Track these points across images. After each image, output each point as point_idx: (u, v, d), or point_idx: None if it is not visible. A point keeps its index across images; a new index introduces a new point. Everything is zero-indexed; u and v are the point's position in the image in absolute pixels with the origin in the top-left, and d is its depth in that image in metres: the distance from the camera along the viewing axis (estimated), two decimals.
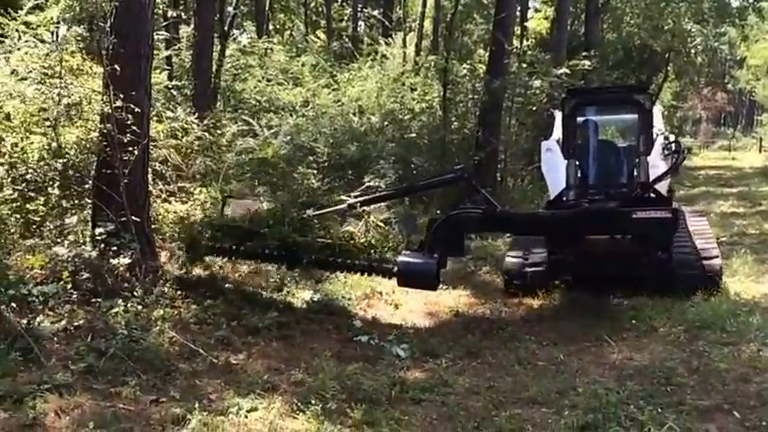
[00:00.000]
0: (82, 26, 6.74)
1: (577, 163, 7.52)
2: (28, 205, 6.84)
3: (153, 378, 4.65)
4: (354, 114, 13.16)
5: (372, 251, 6.46)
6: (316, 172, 9.26)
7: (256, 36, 15.18)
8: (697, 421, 4.04)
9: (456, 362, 5.25)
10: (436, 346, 5.60)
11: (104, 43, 6.21)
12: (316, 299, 6.54)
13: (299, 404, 4.28)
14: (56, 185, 7.10)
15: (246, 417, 4.16)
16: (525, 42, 17.49)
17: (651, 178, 6.85)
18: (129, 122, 6.25)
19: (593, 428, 3.94)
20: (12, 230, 6.32)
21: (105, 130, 6.31)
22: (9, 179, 6.90)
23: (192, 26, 9.45)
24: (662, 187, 7.07)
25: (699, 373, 4.75)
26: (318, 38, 20.46)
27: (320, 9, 22.89)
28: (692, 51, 21.98)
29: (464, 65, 13.36)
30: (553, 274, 7.28)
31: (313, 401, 4.28)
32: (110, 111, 6.21)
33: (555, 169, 7.63)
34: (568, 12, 16.70)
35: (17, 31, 8.03)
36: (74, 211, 6.91)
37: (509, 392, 4.60)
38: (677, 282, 6.66)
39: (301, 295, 6.62)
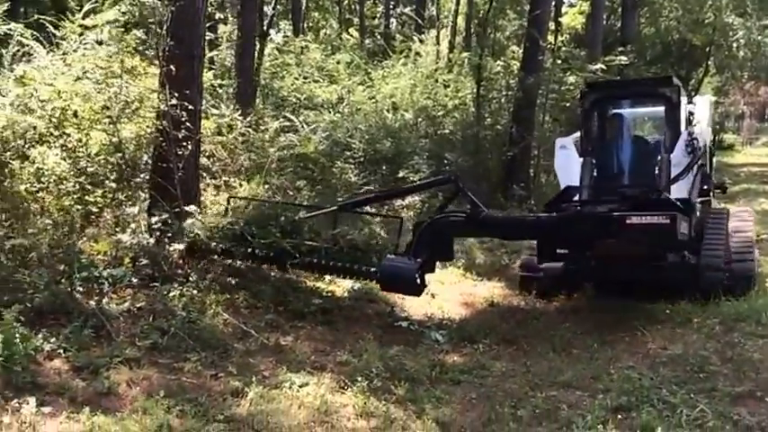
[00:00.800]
0: (141, 29, 7.21)
1: (594, 161, 7.27)
2: (87, 197, 7.40)
3: (211, 355, 5.10)
4: (388, 111, 13.52)
5: (359, 253, 6.41)
6: (353, 167, 9.66)
7: (292, 35, 15.59)
8: (729, 406, 4.24)
9: (492, 348, 5.57)
10: (473, 333, 5.93)
11: (161, 45, 6.68)
12: (356, 288, 6.92)
13: (347, 381, 4.67)
14: (113, 178, 7.65)
15: (299, 391, 4.56)
16: (560, 38, 17.58)
17: (685, 175, 6.66)
18: (183, 120, 6.74)
19: (627, 410, 4.20)
20: (74, 220, 6.84)
21: (161, 127, 6.80)
22: (71, 173, 7.46)
23: (237, 27, 9.91)
24: (682, 188, 6.73)
25: (732, 362, 4.94)
26: (351, 35, 20.86)
27: (353, 7, 23.28)
28: (734, 45, 21.65)
29: (498, 61, 13.60)
30: (570, 280, 7.09)
31: (359, 379, 4.66)
32: (166, 108, 6.68)
33: (568, 168, 7.40)
34: (604, 6, 16.72)
35: (79, 34, 8.59)
36: (130, 202, 7.43)
37: (544, 376, 4.90)
38: (703, 285, 6.39)
39: (342, 284, 7.01)
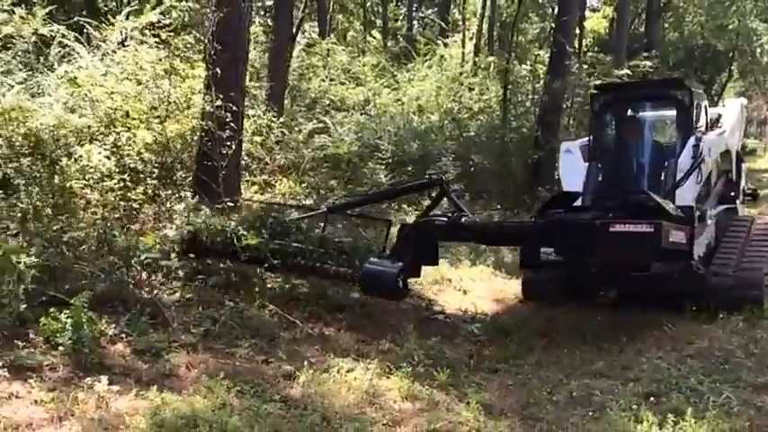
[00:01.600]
0: (188, 34, 7.62)
1: (600, 166, 7.16)
2: (129, 193, 7.82)
3: (260, 342, 5.47)
4: (414, 113, 13.86)
5: (344, 256, 6.37)
6: (383, 167, 10.02)
7: (317, 37, 16.00)
8: (752, 394, 4.55)
9: (525, 340, 5.89)
10: (506, 326, 6.25)
11: (208, 49, 7.08)
12: None
13: (391, 367, 5.01)
14: (154, 176, 8.06)
15: (346, 375, 4.91)
16: (584, 41, 17.82)
17: (684, 183, 6.51)
18: (228, 120, 7.14)
19: (657, 396, 4.51)
20: (124, 214, 7.26)
21: (206, 127, 7.20)
22: (116, 170, 7.89)
23: (272, 30, 10.33)
24: (686, 194, 6.55)
25: (755, 356, 5.23)
26: (374, 37, 21.24)
27: (376, 9, 23.66)
28: (758, 50, 21.76)
29: (524, 65, 13.89)
30: (573, 289, 6.94)
31: (403, 365, 4.99)
32: (211, 109, 7.08)
33: (572, 173, 7.28)
34: (629, 12, 16.95)
35: (129, 37, 9.03)
36: (173, 199, 7.83)
37: (576, 366, 5.21)
38: (708, 294, 6.30)
39: None
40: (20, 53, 9.13)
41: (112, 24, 9.34)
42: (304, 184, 8.28)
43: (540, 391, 4.65)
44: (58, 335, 4.86)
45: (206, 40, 7.12)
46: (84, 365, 4.72)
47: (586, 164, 7.23)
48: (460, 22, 20.09)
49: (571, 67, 12.06)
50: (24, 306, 5.03)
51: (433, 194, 7.15)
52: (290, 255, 6.28)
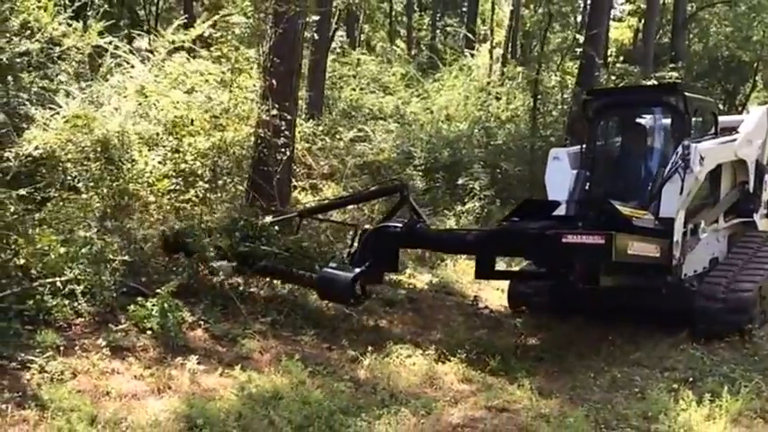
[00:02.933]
0: (253, 48, 8.28)
1: (588, 174, 7.06)
2: (182, 196, 8.47)
3: (322, 332, 6.09)
4: (443, 122, 14.46)
5: (307, 261, 6.52)
6: (420, 174, 10.64)
7: (348, 47, 16.67)
8: None
9: (566, 334, 6.43)
10: (546, 321, 6.79)
11: (266, 62, 7.75)
12: (434, 281, 7.84)
13: (446, 354, 5.59)
14: (206, 180, 8.71)
15: (405, 360, 5.51)
16: (608, 51, 18.35)
17: (662, 191, 6.40)
18: (282, 128, 7.79)
19: (692, 382, 5.02)
20: (195, 213, 7.86)
21: (262, 134, 7.85)
22: (174, 173, 8.55)
23: (312, 42, 11.00)
24: (670, 205, 6.31)
25: None
26: (398, 47, 21.92)
27: (400, 19, 24.37)
28: None
29: (554, 76, 14.47)
30: (557, 303, 6.87)
31: (457, 352, 5.57)
32: (267, 118, 7.73)
33: (557, 181, 7.13)
34: (655, 23, 17.50)
35: (171, 47, 9.72)
36: (223, 201, 8.46)
37: (616, 357, 5.75)
38: (696, 315, 6.13)
39: (422, 278, 7.94)
40: (73, 63, 9.87)
41: (162, 37, 10.07)
42: (351, 190, 8.88)
43: (584, 376, 5.20)
44: (146, 320, 5.50)
45: (263, 54, 7.79)
46: (172, 347, 5.35)
47: (574, 171, 7.12)
48: (484, 32, 20.73)
49: (599, 78, 12.59)
50: (113, 295, 5.69)
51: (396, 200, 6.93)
52: (258, 257, 6.34)
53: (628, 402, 4.69)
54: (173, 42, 10.04)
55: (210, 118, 7.94)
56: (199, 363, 5.12)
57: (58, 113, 8.10)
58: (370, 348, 5.72)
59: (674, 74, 14.06)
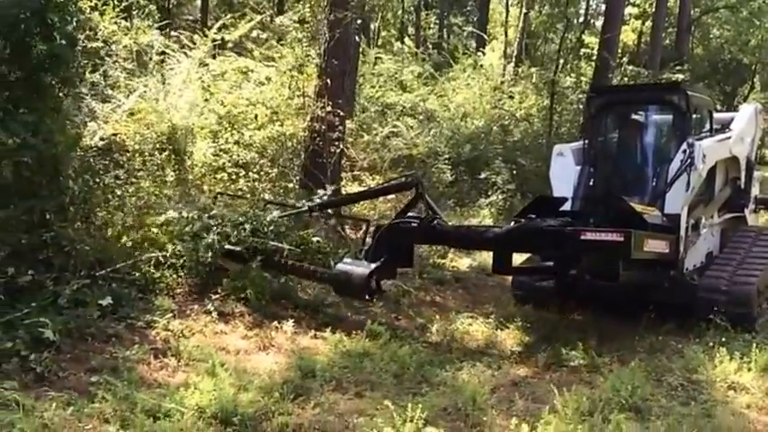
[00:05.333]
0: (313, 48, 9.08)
1: (592, 170, 7.23)
2: (233, 185, 9.26)
3: (387, 304, 6.94)
4: (461, 119, 15.34)
5: (320, 256, 6.74)
6: (449, 167, 11.52)
7: (366, 47, 17.46)
8: None
9: (600, 311, 7.31)
10: (584, 303, 7.67)
11: (322, 63, 8.58)
12: (474, 264, 8.72)
13: (502, 323, 6.47)
14: (254, 171, 9.51)
15: (468, 327, 6.38)
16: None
17: (670, 189, 6.63)
18: (336, 124, 8.63)
19: (721, 346, 5.76)
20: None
21: (317, 128, 8.67)
22: (230, 164, 9.34)
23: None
24: (675, 202, 6.59)
25: None
26: (406, 45, 22.74)
27: (409, 17, 25.22)
28: None
29: (568, 77, 15.40)
30: (563, 293, 6.99)
31: (513, 320, 6.45)
32: (323, 114, 8.56)
33: (562, 177, 7.29)
34: (663, 27, 18.52)
35: (212, 45, 10.48)
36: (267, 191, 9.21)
37: (649, 327, 6.51)
38: (698, 308, 6.33)
39: (462, 262, 8.81)
40: (120, 60, 10.61)
41: (206, 35, 10.85)
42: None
43: (630, 341, 6.07)
44: (240, 291, 6.33)
45: (320, 56, 8.63)
46: (265, 314, 6.20)
47: (578, 167, 7.28)
48: (494, 32, 21.65)
49: (613, 80, 13.51)
50: (208, 270, 6.50)
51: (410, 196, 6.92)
52: (268, 253, 6.45)
53: (669, 360, 5.58)
54: (215, 41, 10.87)
55: (271, 114, 8.77)
56: (293, 326, 5.97)
57: (118, 107, 8.92)
58: (433, 319, 6.63)
59: (681, 75, 15.04)
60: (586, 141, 7.51)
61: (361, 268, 6.10)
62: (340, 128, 8.70)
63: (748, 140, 7.95)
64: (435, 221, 6.43)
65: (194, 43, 10.67)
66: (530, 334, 6.32)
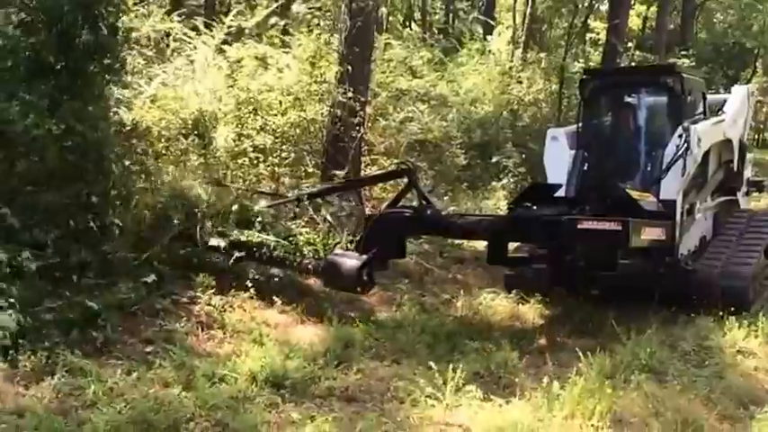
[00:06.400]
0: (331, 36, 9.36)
1: (586, 154, 7.07)
2: (254, 170, 9.56)
3: (412, 282, 7.29)
4: (470, 104, 15.60)
5: (309, 247, 6.54)
6: (463, 152, 11.83)
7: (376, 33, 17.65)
8: None
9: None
10: None
11: (343, 50, 8.87)
12: None
13: (523, 298, 6.83)
14: (275, 155, 9.82)
15: (491, 302, 6.74)
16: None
17: (666, 175, 6.46)
18: (357, 109, 8.92)
19: (728, 318, 6.14)
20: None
21: (339, 113, 8.96)
22: (251, 149, 9.64)
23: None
24: (671, 187, 6.43)
25: None
26: (412, 30, 22.90)
27: (416, 2, 25.34)
28: None
29: (576, 62, 15.65)
30: (556, 282, 6.82)
31: (534, 296, 6.81)
32: (345, 100, 8.85)
33: (556, 161, 7.10)
34: (669, 13, 18.74)
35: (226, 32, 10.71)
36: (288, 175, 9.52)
37: (656, 309, 6.87)
38: (695, 296, 6.27)
39: (480, 243, 9.13)
40: (135, 47, 10.86)
41: (222, 23, 11.09)
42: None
43: (644, 314, 6.38)
44: None
45: (342, 44, 8.91)
46: (299, 291, 6.54)
47: (572, 151, 7.11)
48: (500, 17, 21.82)
49: (621, 65, 13.76)
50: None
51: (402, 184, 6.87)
52: (253, 246, 6.28)
53: (682, 329, 5.94)
54: (231, 27, 11.09)
55: (293, 100, 9.07)
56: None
57: (140, 93, 9.21)
58: (458, 294, 6.99)
59: (686, 60, 15.29)
60: (580, 125, 7.38)
61: (353, 260, 5.90)
62: (361, 113, 8.99)
63: (741, 122, 7.87)
64: (429, 211, 6.28)
65: (210, 30, 10.94)
66: (549, 308, 6.69)
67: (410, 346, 5.48)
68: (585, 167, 7.08)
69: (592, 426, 4.03)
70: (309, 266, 6.28)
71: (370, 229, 6.19)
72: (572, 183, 6.95)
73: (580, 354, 4.80)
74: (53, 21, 6.10)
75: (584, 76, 7.71)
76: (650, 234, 5.86)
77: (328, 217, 7.63)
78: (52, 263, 5.53)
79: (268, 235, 6.42)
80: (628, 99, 7.58)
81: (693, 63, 15.94)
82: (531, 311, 6.62)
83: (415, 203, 6.56)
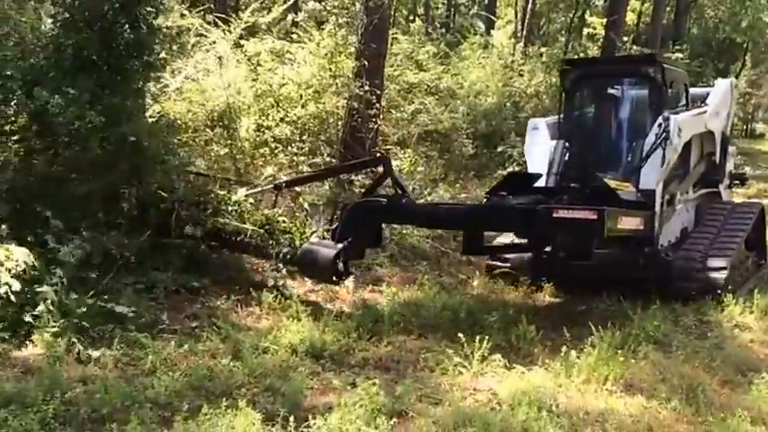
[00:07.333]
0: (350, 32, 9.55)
1: (566, 144, 6.94)
2: (274, 159, 9.79)
3: (430, 263, 7.60)
4: (475, 96, 15.80)
5: (286, 236, 6.44)
6: (472, 141, 12.07)
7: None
8: None
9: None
10: None
11: (360, 45, 9.07)
12: None
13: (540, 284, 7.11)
14: (294, 145, 10.04)
15: (503, 285, 6.99)
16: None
17: (645, 164, 6.35)
18: (373, 102, 9.14)
19: (730, 291, 6.38)
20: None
21: (356, 106, 9.18)
22: (272, 140, 9.86)
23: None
24: (650, 177, 6.31)
25: None
26: (417, 25, 23.01)
27: None
28: None
29: (576, 56, 15.82)
30: (538, 270, 6.78)
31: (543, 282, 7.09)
32: (362, 93, 9.06)
33: (537, 152, 6.98)
34: (664, 8, 18.90)
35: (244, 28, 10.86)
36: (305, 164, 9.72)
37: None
38: (674, 288, 6.24)
39: None
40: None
41: (240, 19, 11.25)
42: (421, 155, 10.35)
43: (647, 293, 6.61)
44: None
45: (358, 40, 9.12)
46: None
47: (553, 142, 6.97)
48: (501, 12, 21.95)
49: None
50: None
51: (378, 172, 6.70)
52: (229, 233, 6.23)
53: (683, 307, 6.19)
54: (247, 23, 11.24)
55: (313, 93, 9.29)
56: (353, 281, 6.59)
57: (166, 86, 9.41)
58: (474, 275, 7.25)
59: (680, 54, 15.49)
60: (561, 115, 7.22)
61: (328, 249, 5.73)
62: (377, 105, 9.21)
63: (724, 115, 7.71)
64: (404, 199, 6.08)
65: (228, 25, 11.10)
66: (560, 289, 6.94)
67: (434, 322, 5.74)
68: (567, 157, 6.94)
69: (606, 390, 4.31)
70: (286, 256, 6.15)
71: (346, 217, 6.04)
72: (552, 173, 6.81)
73: (592, 327, 5.06)
74: (94, 19, 6.31)
75: (565, 66, 7.51)
76: (628, 224, 5.71)
77: (306, 205, 7.58)
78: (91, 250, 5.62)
79: (244, 223, 6.31)
80: (608, 89, 7.46)
81: (687, 57, 16.11)
82: (544, 294, 6.87)
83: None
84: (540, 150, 7.00)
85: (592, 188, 5.81)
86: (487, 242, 7.05)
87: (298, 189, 7.55)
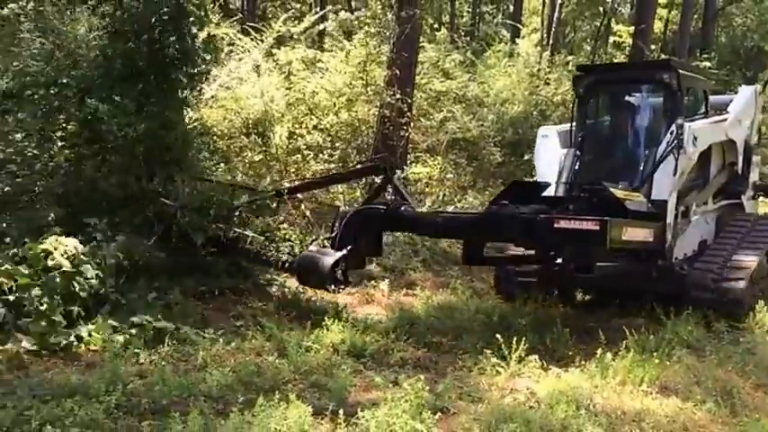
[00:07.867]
0: (379, 41, 9.82)
1: (578, 153, 6.74)
2: (306, 165, 10.04)
3: (462, 269, 7.75)
4: (502, 105, 15.95)
5: (285, 243, 6.42)
6: (500, 149, 12.23)
7: None
8: None
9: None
10: None
11: (392, 55, 9.32)
12: None
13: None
14: (326, 153, 10.29)
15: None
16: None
17: (657, 174, 6.13)
18: (405, 110, 9.37)
19: None
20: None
21: (387, 113, 9.42)
22: (304, 147, 10.13)
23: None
24: (663, 187, 6.07)
25: None
26: (443, 34, 23.24)
27: (445, 5, 25.69)
28: None
29: None
30: (547, 285, 6.61)
31: None
32: (393, 101, 9.30)
33: (546, 160, 6.82)
34: (691, 16, 18.86)
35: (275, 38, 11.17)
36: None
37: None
38: (689, 302, 5.92)
39: None
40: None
41: (271, 28, 11.57)
42: (450, 162, 10.53)
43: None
44: None
45: (390, 49, 9.37)
46: (361, 276, 7.00)
47: (564, 150, 6.78)
48: (526, 21, 22.07)
49: None
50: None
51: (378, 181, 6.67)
52: (230, 240, 6.22)
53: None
54: (279, 33, 11.55)
55: (346, 101, 9.56)
56: (388, 285, 6.80)
57: (201, 94, 9.73)
58: (479, 277, 7.41)
59: (708, 63, 15.46)
60: (573, 123, 6.99)
61: (327, 257, 5.63)
62: (408, 114, 9.44)
63: (747, 123, 7.37)
64: (404, 207, 5.94)
65: (260, 34, 11.41)
66: (591, 293, 7.06)
67: (468, 325, 5.91)
68: (577, 166, 6.74)
69: (642, 391, 4.43)
70: (285, 263, 6.09)
71: (345, 225, 5.87)
72: (561, 181, 6.61)
73: (626, 331, 5.18)
74: (142, 31, 6.61)
75: (579, 72, 7.32)
76: (634, 235, 5.47)
77: (307, 213, 7.54)
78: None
79: (245, 230, 6.31)
80: (623, 96, 7.24)
81: (714, 65, 16.08)
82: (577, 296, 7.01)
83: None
84: (549, 158, 6.87)
85: (599, 198, 5.62)
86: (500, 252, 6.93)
87: (300, 196, 7.50)
